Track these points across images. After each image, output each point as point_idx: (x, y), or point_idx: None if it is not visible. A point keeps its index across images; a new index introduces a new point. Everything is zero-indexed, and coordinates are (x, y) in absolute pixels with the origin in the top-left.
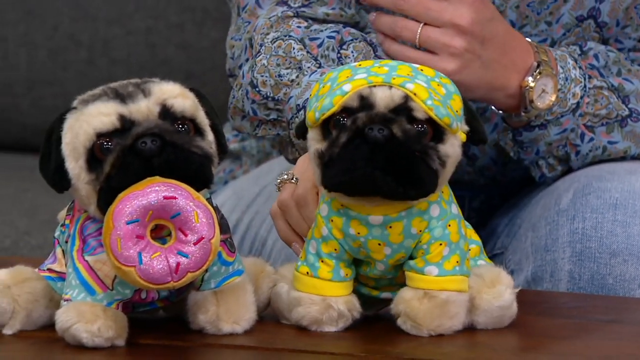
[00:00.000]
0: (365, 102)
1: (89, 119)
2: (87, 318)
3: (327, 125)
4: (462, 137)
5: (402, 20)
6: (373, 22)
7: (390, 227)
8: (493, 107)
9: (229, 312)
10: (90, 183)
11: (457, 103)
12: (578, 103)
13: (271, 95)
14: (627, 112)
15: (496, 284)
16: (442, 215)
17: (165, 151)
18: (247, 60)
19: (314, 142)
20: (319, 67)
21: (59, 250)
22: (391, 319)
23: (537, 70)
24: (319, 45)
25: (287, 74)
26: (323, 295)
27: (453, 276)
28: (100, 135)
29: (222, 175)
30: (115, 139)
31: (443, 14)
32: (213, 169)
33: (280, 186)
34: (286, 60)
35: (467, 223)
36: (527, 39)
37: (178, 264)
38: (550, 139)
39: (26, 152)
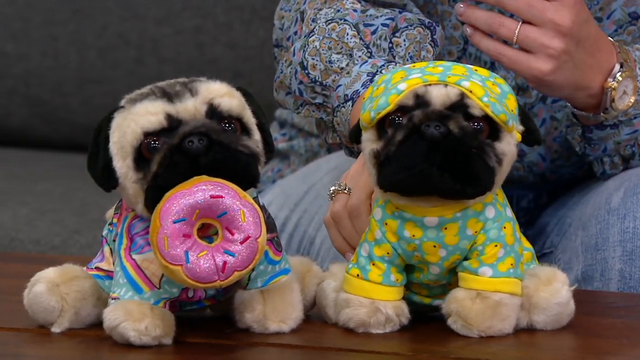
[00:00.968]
0: (420, 100)
1: (137, 118)
2: (134, 316)
3: (382, 125)
4: (518, 136)
5: (499, 17)
6: (463, 14)
7: (446, 228)
8: (569, 105)
9: (275, 311)
10: (138, 182)
11: (512, 102)
12: None
13: (319, 80)
14: None
15: (552, 282)
16: (497, 217)
17: (212, 150)
18: (295, 32)
19: (369, 142)
20: (369, 57)
21: (106, 249)
22: (440, 320)
23: (620, 72)
24: (373, 33)
25: (338, 60)
26: (372, 298)
27: (507, 278)
28: (147, 134)
29: (270, 174)
30: (162, 138)
31: (545, 13)
32: (259, 168)
33: (333, 196)
34: (338, 44)
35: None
36: (610, 38)
37: (225, 262)
38: (620, 138)
39: (76, 150)
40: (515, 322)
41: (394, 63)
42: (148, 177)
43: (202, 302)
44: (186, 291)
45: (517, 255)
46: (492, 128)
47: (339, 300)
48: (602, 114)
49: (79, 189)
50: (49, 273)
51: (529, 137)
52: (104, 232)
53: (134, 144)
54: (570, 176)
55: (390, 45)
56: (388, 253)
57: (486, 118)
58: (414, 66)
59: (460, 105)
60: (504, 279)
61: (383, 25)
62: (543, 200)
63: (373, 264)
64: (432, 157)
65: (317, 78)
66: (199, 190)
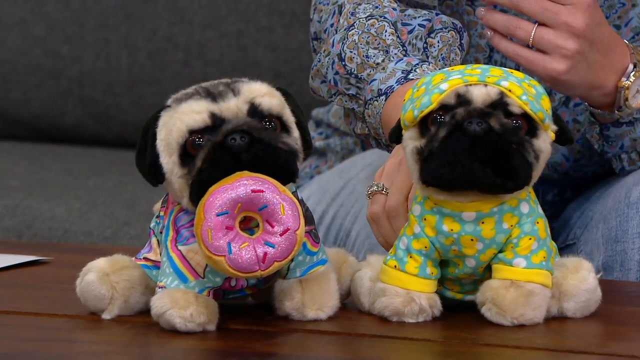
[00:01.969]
0: (462, 99)
1: (182, 117)
2: (180, 304)
3: (425, 123)
4: (552, 135)
5: (516, 20)
6: (483, 17)
7: (483, 222)
8: (586, 104)
9: (313, 300)
10: (183, 177)
11: (546, 103)
12: None
13: (355, 72)
14: None
15: (579, 270)
16: (531, 213)
17: (254, 147)
18: (332, 25)
19: (411, 140)
20: (404, 55)
21: (154, 240)
22: (471, 310)
23: (634, 72)
24: (409, 32)
25: (374, 55)
26: (407, 289)
27: (540, 270)
28: (192, 132)
29: (308, 170)
30: (206, 135)
31: (559, 16)
32: (298, 164)
33: (371, 196)
34: (376, 40)
35: None
36: (625, 40)
37: (265, 253)
38: (636, 135)
39: (127, 147)
40: (545, 312)
41: (427, 63)
42: (193, 173)
43: (243, 290)
44: (229, 280)
45: (549, 250)
46: (530, 126)
47: (376, 289)
48: (616, 112)
49: (128, 184)
50: (100, 263)
51: (562, 136)
52: (152, 225)
53: (179, 141)
54: (592, 174)
55: (425, 45)
56: (425, 247)
57: (524, 116)
58: (452, 69)
59: (500, 103)
60: (537, 270)
61: (420, 25)
62: (567, 194)
63: (410, 257)
64: (474, 152)
65: (353, 70)
66: (241, 185)
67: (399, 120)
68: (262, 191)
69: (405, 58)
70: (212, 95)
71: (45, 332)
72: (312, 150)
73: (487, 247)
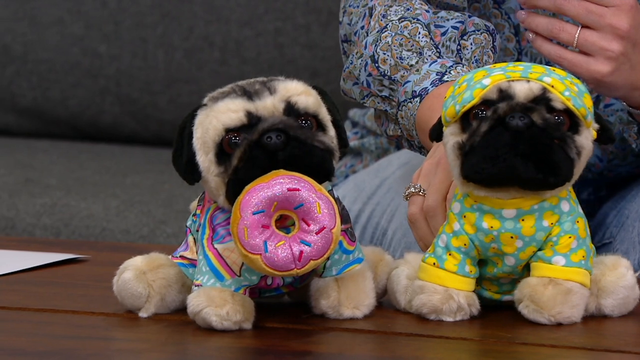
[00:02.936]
0: (504, 94)
1: (218, 115)
2: (216, 302)
3: (467, 119)
4: (594, 133)
5: (559, 22)
6: (524, 20)
7: (523, 219)
8: (624, 104)
9: (349, 298)
10: (219, 175)
11: (588, 100)
12: None
13: (388, 74)
14: None
15: (617, 267)
16: (571, 212)
17: (290, 145)
18: (362, 27)
19: (453, 136)
20: (438, 57)
21: (190, 239)
22: (508, 309)
23: None
24: (443, 34)
25: (408, 57)
26: (446, 286)
27: (579, 268)
28: (228, 131)
29: (344, 169)
30: (242, 134)
31: (603, 18)
32: (334, 163)
33: (408, 197)
34: (409, 42)
35: None
36: None
37: (301, 252)
38: None
39: (164, 146)
40: (582, 312)
41: (461, 65)
42: (229, 171)
43: (280, 289)
44: (265, 279)
45: (588, 249)
46: (572, 122)
47: (414, 286)
48: None
49: (165, 182)
50: (137, 261)
51: (603, 134)
52: (188, 223)
53: (215, 140)
54: (627, 174)
55: (458, 47)
56: (465, 244)
57: (566, 112)
58: (494, 66)
59: (542, 99)
60: (576, 268)
61: (453, 27)
62: (602, 192)
63: (449, 254)
64: (516, 147)
65: (386, 72)
66: (277, 184)
67: (439, 118)
68: (298, 189)
69: (439, 60)
70: (249, 94)
71: (82, 330)
72: (348, 147)
73: (527, 244)
